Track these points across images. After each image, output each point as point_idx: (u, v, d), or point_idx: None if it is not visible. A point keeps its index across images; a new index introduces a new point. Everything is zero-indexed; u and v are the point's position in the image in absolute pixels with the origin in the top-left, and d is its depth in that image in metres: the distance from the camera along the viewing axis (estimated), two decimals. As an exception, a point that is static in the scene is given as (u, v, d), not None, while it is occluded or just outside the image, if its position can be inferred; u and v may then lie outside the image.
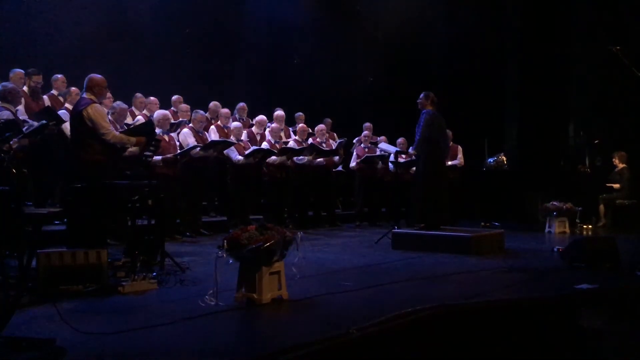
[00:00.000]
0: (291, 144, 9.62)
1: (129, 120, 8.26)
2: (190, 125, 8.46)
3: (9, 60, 8.34)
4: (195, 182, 8.25)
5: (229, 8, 12.45)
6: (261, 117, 9.86)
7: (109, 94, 7.89)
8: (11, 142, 6.22)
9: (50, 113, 7.04)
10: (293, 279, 4.63)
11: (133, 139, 5.76)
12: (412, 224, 7.92)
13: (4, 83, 7.01)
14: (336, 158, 10.10)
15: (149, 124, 6.20)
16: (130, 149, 6.24)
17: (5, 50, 8.89)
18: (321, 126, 10.31)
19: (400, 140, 10.65)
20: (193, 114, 8.56)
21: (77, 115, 5.60)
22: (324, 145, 10.12)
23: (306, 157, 9.52)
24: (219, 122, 9.23)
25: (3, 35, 9.00)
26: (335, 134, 11.29)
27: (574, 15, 13.21)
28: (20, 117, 7.04)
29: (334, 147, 10.19)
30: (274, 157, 9.11)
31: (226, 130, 9.07)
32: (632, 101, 11.06)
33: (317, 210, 10.29)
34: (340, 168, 10.82)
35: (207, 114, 9.16)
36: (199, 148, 8.07)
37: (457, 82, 13.64)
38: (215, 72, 11.88)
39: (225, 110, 9.37)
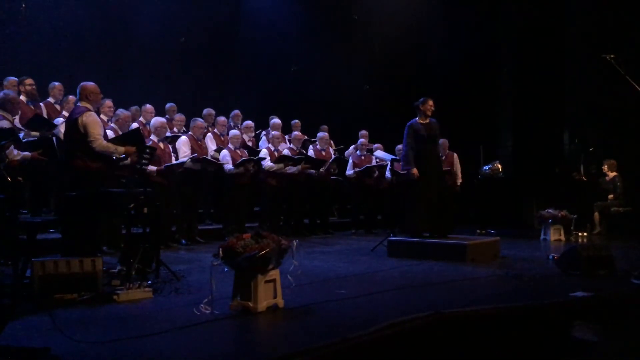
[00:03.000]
0: (286, 152, 9.62)
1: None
2: (190, 133, 8.45)
3: (4, 67, 8.35)
4: (191, 190, 8.23)
5: (225, 16, 12.49)
6: (248, 122, 9.85)
7: (109, 102, 7.90)
8: (14, 154, 6.24)
9: (40, 121, 7.04)
10: (288, 287, 4.63)
11: (121, 149, 5.73)
12: (408, 233, 7.89)
13: (5, 91, 7.01)
14: (322, 169, 10.00)
15: (135, 132, 6.19)
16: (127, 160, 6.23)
17: (2, 57, 8.91)
18: (324, 134, 10.38)
19: (399, 147, 10.64)
20: (192, 122, 8.56)
21: (72, 123, 5.62)
22: (323, 152, 10.15)
23: (295, 167, 9.52)
24: (215, 130, 9.24)
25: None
26: (332, 142, 11.32)
27: (569, 23, 13.28)
28: (18, 126, 7.04)
29: (333, 155, 10.27)
30: (270, 164, 9.09)
31: (222, 138, 9.08)
32: (626, 109, 11.10)
33: (312, 218, 10.30)
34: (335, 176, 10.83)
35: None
36: (188, 159, 8.01)
37: (452, 90, 13.69)
38: (212, 81, 11.92)
39: (222, 119, 9.38)
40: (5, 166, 5.33)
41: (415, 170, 7.48)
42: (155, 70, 10.93)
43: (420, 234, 7.51)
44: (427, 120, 7.69)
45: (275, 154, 9.33)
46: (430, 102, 7.68)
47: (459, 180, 10.64)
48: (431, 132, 7.68)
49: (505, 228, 10.81)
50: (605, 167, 10.99)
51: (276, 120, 10.06)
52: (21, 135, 6.79)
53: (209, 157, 8.42)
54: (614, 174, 10.93)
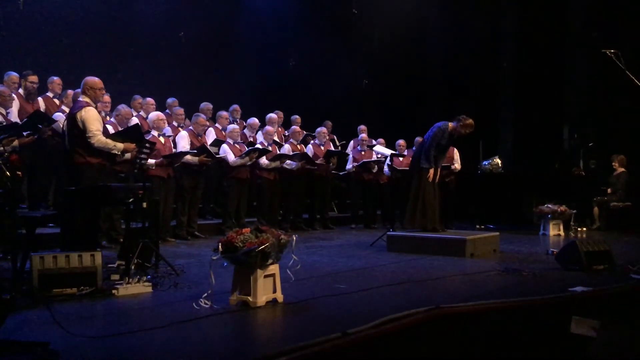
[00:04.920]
0: (286, 147, 9.61)
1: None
2: (191, 128, 8.43)
3: (4, 62, 8.32)
4: (191, 184, 8.21)
5: (224, 11, 12.45)
6: (253, 119, 9.85)
7: (107, 97, 7.87)
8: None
9: (39, 116, 7.03)
10: (288, 281, 4.62)
11: (120, 145, 5.71)
12: (405, 227, 7.91)
13: None
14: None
15: (135, 127, 6.18)
16: (126, 155, 6.22)
17: (1, 52, 8.88)
18: (322, 129, 10.38)
19: (400, 142, 10.65)
20: (193, 118, 8.54)
21: (71, 118, 5.64)
22: (322, 147, 10.15)
23: (295, 163, 9.51)
24: (217, 124, 9.23)
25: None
26: (334, 136, 11.30)
27: (569, 18, 13.26)
28: (13, 120, 7.03)
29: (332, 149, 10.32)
30: (266, 162, 9.08)
31: (224, 133, 9.06)
32: (626, 104, 11.10)
33: (312, 213, 10.30)
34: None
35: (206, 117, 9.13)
36: (188, 150, 7.99)
37: (452, 85, 13.69)
38: (210, 75, 11.89)
39: (225, 113, 9.38)
40: (4, 160, 5.31)
41: (432, 172, 7.56)
42: (154, 65, 10.90)
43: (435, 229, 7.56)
44: (454, 133, 7.67)
45: (270, 148, 9.29)
46: (471, 128, 7.62)
47: (455, 167, 10.50)
48: (449, 142, 7.78)
49: (505, 223, 10.82)
50: (616, 163, 10.96)
51: (272, 115, 10.03)
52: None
53: (208, 147, 8.41)
54: (622, 169, 10.93)
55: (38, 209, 7.26)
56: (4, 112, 6.78)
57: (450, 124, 7.66)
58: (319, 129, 10.41)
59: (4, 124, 6.40)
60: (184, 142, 8.10)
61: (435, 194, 7.68)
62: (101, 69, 8.68)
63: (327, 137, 10.59)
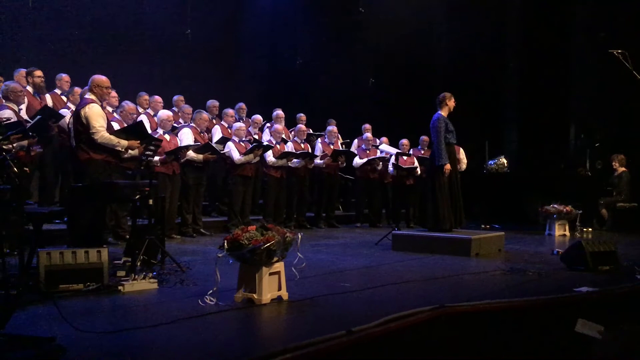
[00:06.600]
0: (289, 145, 9.63)
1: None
2: (193, 125, 8.45)
3: (12, 60, 8.37)
4: (195, 181, 8.24)
5: (230, 9, 12.47)
6: (257, 116, 9.89)
7: (114, 93, 7.90)
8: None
9: (48, 112, 7.06)
10: (293, 279, 4.64)
11: (124, 142, 5.72)
12: (429, 228, 7.82)
13: (6, 82, 7.04)
14: (319, 162, 10.01)
15: (139, 124, 6.19)
16: (131, 152, 6.24)
17: (9, 50, 8.92)
18: (332, 128, 10.42)
19: (403, 141, 10.65)
20: (196, 114, 8.55)
21: (76, 114, 5.67)
22: (331, 146, 10.16)
23: (299, 161, 9.53)
24: (223, 122, 9.24)
25: (6, 35, 9.04)
26: (339, 135, 11.33)
27: (574, 18, 13.21)
28: (25, 117, 7.06)
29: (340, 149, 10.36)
30: (273, 160, 9.11)
31: (230, 131, 9.09)
32: (633, 104, 11.06)
33: (317, 212, 10.31)
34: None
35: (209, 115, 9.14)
36: (192, 145, 7.98)
37: (457, 84, 13.62)
38: (216, 73, 11.91)
39: (231, 111, 9.42)
40: (11, 156, 5.33)
41: (448, 166, 7.48)
42: (161, 62, 10.95)
43: (442, 229, 7.48)
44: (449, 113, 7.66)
45: (278, 147, 9.33)
46: (452, 96, 7.65)
47: (461, 166, 10.43)
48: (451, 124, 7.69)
49: (510, 223, 10.80)
50: (616, 163, 10.92)
51: (280, 112, 10.05)
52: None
53: (212, 144, 8.42)
54: (623, 169, 10.89)
55: (45, 205, 7.29)
56: (16, 108, 6.81)
57: (441, 112, 7.63)
58: (329, 128, 10.44)
59: (15, 120, 6.42)
60: (186, 138, 8.12)
61: (452, 191, 7.64)
62: (108, 66, 8.71)
63: (337, 136, 10.63)
